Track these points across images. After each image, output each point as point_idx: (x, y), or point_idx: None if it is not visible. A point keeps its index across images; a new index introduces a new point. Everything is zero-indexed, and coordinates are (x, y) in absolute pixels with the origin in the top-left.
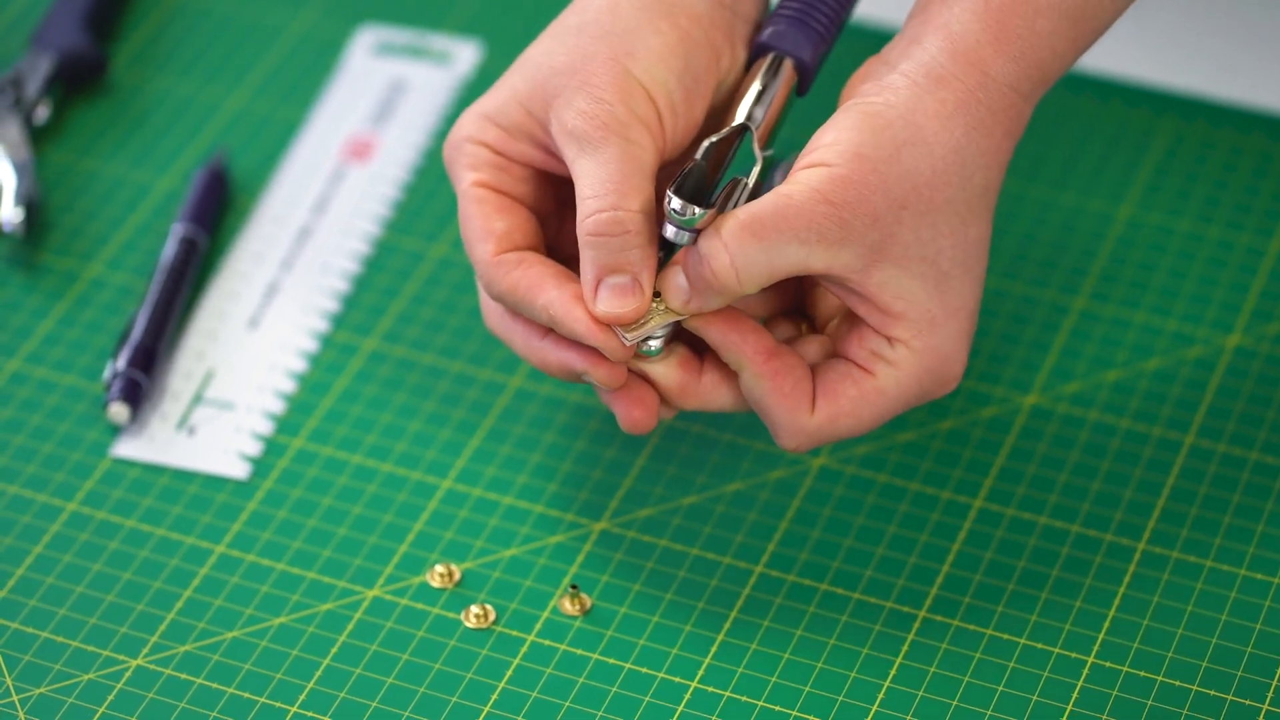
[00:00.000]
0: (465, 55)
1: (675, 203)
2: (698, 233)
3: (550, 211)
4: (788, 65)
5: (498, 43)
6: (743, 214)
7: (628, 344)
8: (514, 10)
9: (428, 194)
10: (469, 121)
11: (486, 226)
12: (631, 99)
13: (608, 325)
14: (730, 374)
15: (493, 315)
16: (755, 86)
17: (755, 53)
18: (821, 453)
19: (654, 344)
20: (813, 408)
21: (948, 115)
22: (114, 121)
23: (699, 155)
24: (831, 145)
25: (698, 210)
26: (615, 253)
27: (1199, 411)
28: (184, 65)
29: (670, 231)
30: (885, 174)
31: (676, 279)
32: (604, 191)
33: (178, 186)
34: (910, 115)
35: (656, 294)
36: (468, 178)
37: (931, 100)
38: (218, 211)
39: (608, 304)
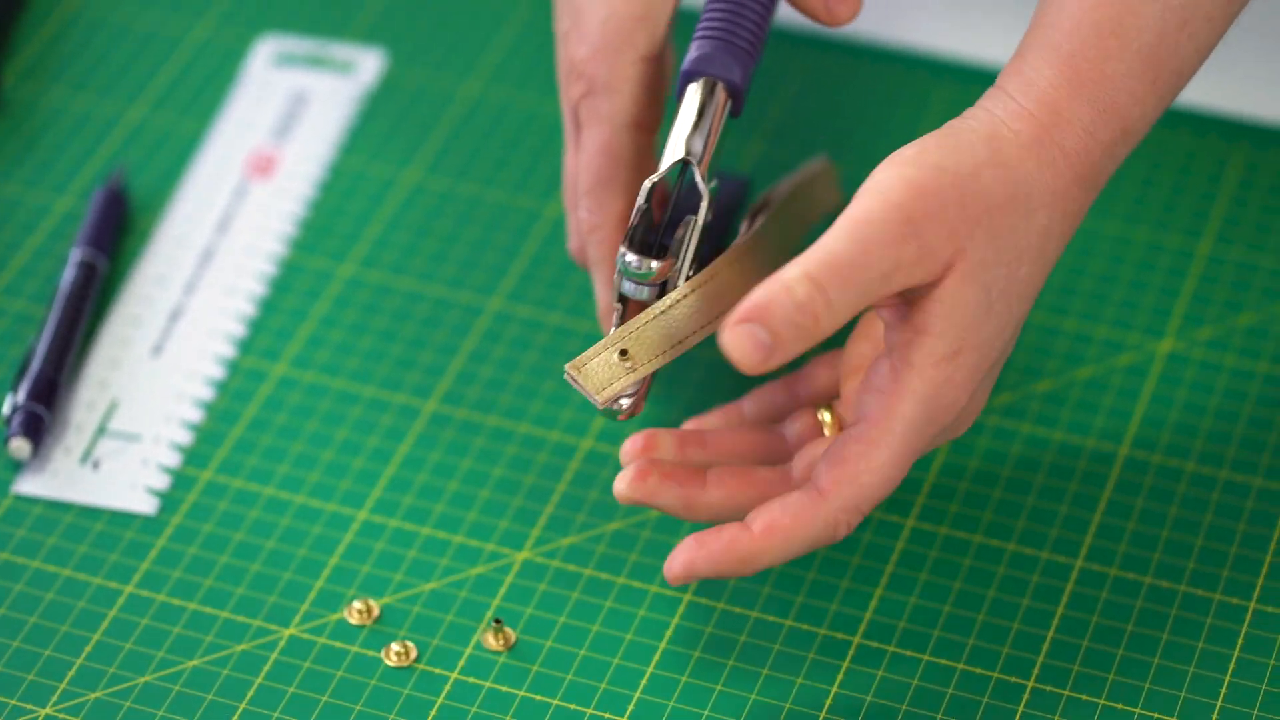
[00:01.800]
0: (368, 64)
1: (631, 258)
2: (658, 286)
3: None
4: (719, 90)
5: (401, 51)
6: (828, 256)
7: (600, 403)
8: (417, 18)
9: (333, 210)
10: (630, 20)
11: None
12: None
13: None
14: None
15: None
16: (690, 116)
17: (683, 80)
18: None
19: (625, 402)
20: (825, 499)
21: (1023, 145)
22: (6, 140)
23: (641, 199)
24: (909, 153)
25: (654, 264)
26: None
27: (1132, 421)
28: (78, 79)
29: (629, 288)
30: (964, 189)
31: (773, 326)
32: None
33: (76, 207)
34: (990, 140)
35: (623, 352)
36: (625, 113)
37: (1008, 131)
38: (117, 233)
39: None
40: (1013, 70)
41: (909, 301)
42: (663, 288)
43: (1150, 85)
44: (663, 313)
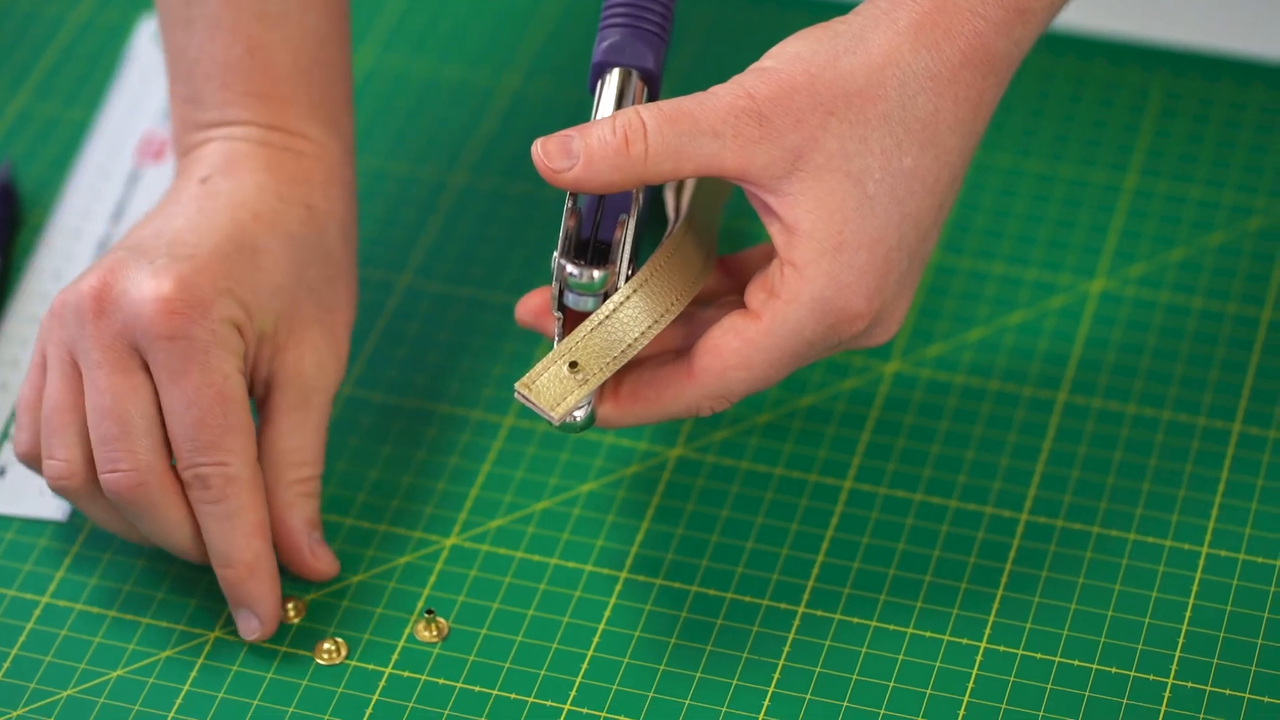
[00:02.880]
0: None
1: (572, 269)
2: (603, 296)
3: None
4: (634, 79)
5: None
6: (666, 103)
7: (555, 420)
8: None
9: None
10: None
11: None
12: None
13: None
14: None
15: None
16: (609, 109)
17: (595, 72)
18: (677, 442)
19: (579, 414)
20: (692, 381)
21: (898, 32)
22: None
23: (569, 203)
24: (773, 52)
25: (597, 274)
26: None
27: (1069, 365)
28: None
29: (572, 300)
30: (816, 76)
31: (587, 140)
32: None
33: None
34: (860, 30)
35: (573, 364)
36: (225, 355)
37: (885, 19)
38: (9, 229)
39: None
40: None
41: (780, 198)
42: (604, 294)
43: None
44: (607, 318)
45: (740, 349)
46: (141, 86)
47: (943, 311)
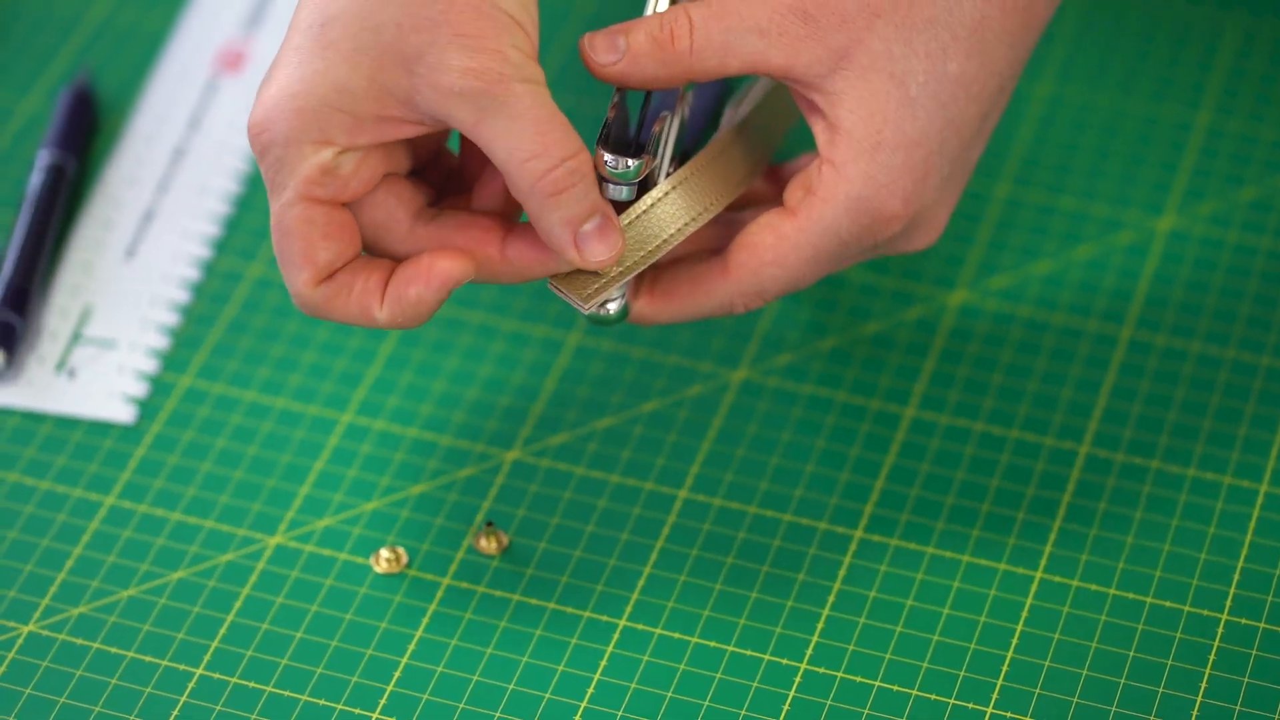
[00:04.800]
0: None
1: (608, 158)
2: (636, 185)
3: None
4: None
5: None
6: (714, 2)
7: (586, 310)
8: None
9: None
10: (299, 112)
11: (307, 254)
12: (510, 35)
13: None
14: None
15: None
16: (663, 7)
17: None
18: (741, 365)
19: (612, 306)
20: (726, 278)
21: None
22: None
23: (614, 98)
24: None
25: (632, 163)
26: (580, 201)
27: (1134, 302)
28: None
29: (609, 189)
30: None
31: (632, 35)
32: (543, 147)
33: (41, 109)
34: None
35: None
36: (297, 186)
37: None
38: (86, 134)
39: (597, 252)
40: None
41: (824, 96)
42: (642, 186)
43: None
44: (644, 212)
45: (775, 245)
46: None
47: (1009, 244)
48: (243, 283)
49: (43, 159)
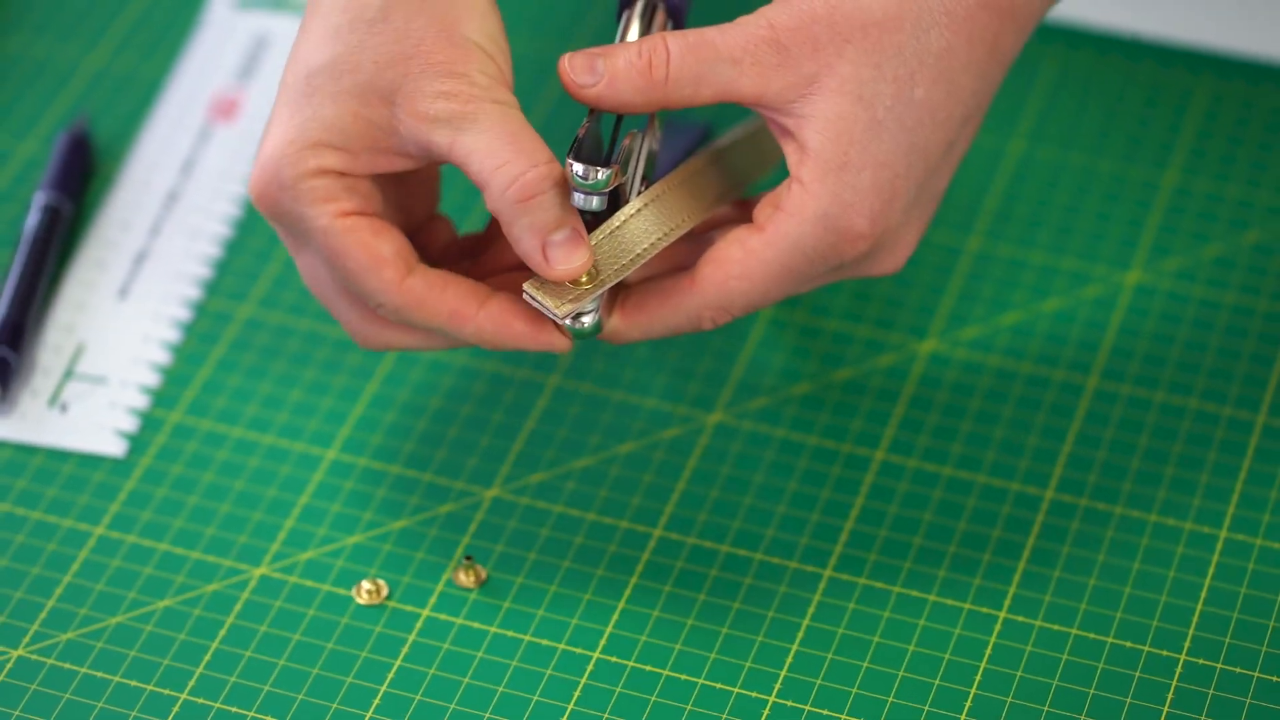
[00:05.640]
0: None
1: (578, 168)
2: (605, 195)
3: (398, 209)
4: (659, 10)
5: None
6: (691, 32)
7: (560, 319)
8: None
9: None
10: (295, 156)
11: (374, 255)
12: (477, 62)
13: (541, 324)
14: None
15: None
16: (632, 36)
17: (623, 2)
18: (716, 409)
19: (586, 319)
20: (695, 291)
21: None
22: None
23: (587, 117)
24: None
25: (601, 172)
26: (549, 209)
27: (1100, 353)
28: (38, 24)
29: (578, 199)
30: (835, 7)
31: (611, 60)
32: (511, 155)
33: (39, 152)
34: None
35: None
36: (326, 211)
37: None
38: (82, 178)
39: (563, 261)
40: None
41: (794, 119)
42: (613, 200)
43: None
44: (618, 227)
45: (742, 259)
46: (216, 47)
47: (980, 296)
48: (232, 323)
49: (39, 200)
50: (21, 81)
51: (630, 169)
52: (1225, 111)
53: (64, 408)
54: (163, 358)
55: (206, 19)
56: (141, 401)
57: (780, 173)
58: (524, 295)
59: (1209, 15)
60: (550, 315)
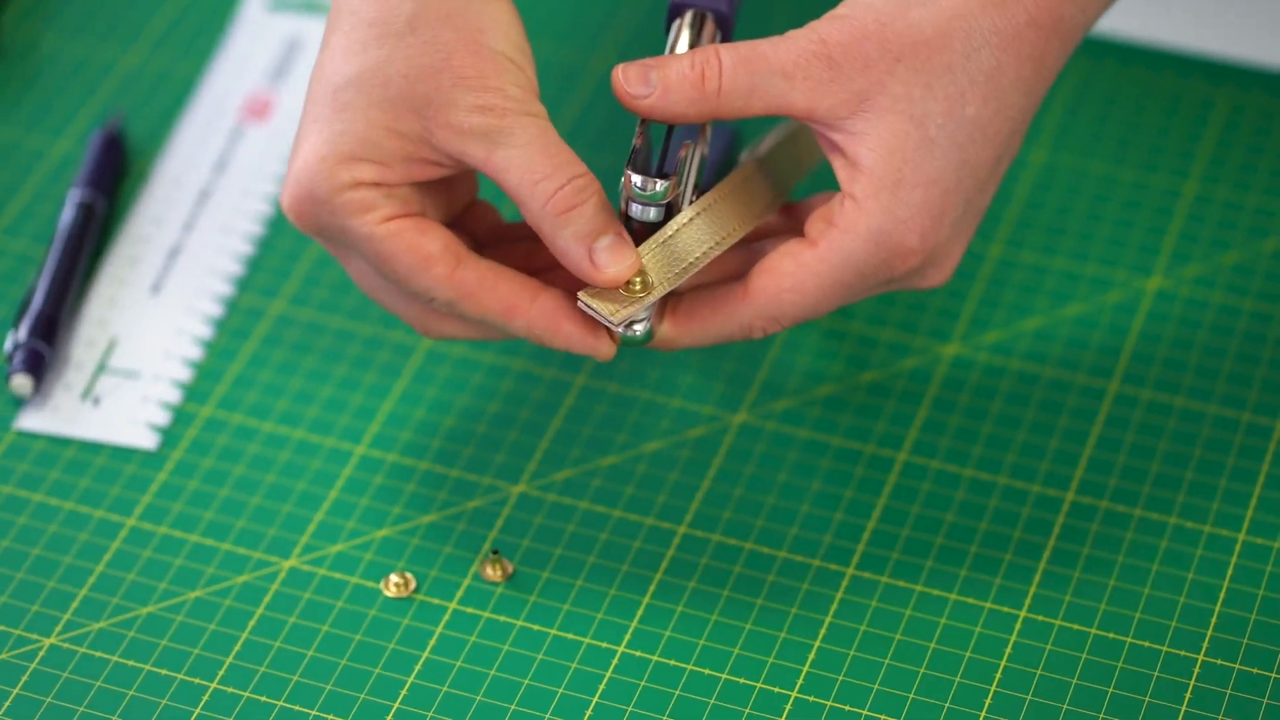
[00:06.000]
0: None
1: (636, 180)
2: (664, 206)
3: (438, 203)
4: (708, 21)
5: None
6: (743, 44)
7: (616, 327)
8: None
9: None
10: (329, 170)
11: (422, 254)
12: (509, 75)
13: (590, 328)
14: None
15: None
16: (682, 47)
17: (671, 13)
18: (741, 409)
19: (639, 328)
20: (746, 302)
21: None
22: (4, 84)
23: (639, 128)
24: (848, 0)
25: (659, 184)
26: (592, 218)
27: (1121, 357)
28: (75, 24)
29: (636, 210)
30: (886, 24)
31: (664, 71)
32: (550, 169)
33: (74, 150)
34: None
35: (636, 277)
36: (368, 220)
37: None
38: (116, 175)
39: (612, 265)
40: None
41: (845, 136)
42: (668, 208)
43: None
44: (670, 236)
45: (795, 272)
46: (250, 48)
47: (1002, 301)
48: (264, 319)
49: (74, 197)
50: (58, 80)
51: (684, 179)
52: (1245, 121)
53: (97, 401)
54: (194, 353)
55: (240, 20)
56: (173, 395)
57: (817, 176)
58: (579, 304)
59: (1230, 27)
60: (604, 322)
